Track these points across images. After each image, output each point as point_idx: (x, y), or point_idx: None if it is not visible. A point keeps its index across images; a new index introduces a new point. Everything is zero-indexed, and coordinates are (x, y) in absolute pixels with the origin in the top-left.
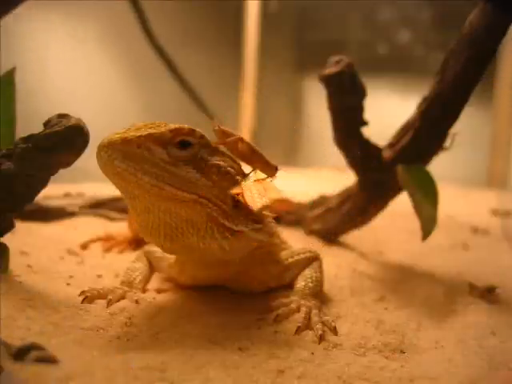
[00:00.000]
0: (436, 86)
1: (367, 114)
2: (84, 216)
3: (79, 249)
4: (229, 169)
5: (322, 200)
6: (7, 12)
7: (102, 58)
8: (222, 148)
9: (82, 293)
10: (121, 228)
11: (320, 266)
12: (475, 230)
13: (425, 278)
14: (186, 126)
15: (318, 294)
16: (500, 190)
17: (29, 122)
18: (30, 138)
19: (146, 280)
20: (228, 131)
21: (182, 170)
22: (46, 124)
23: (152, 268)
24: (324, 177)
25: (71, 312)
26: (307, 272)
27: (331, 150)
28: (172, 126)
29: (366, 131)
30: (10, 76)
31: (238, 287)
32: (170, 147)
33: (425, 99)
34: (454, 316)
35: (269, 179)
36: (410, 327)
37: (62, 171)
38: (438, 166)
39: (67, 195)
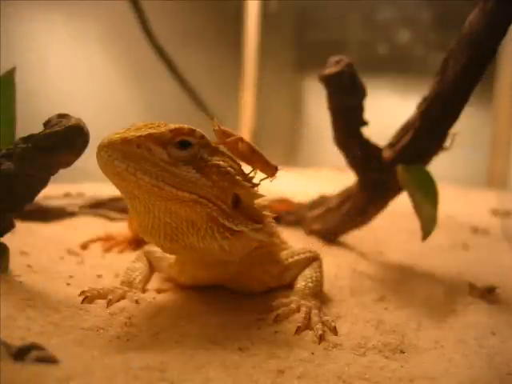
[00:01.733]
0: (436, 86)
1: (367, 114)
2: (84, 216)
3: (79, 249)
4: (229, 169)
5: (322, 200)
6: None
7: (102, 58)
8: (222, 148)
9: (82, 293)
10: (121, 228)
11: (320, 266)
12: (475, 230)
13: (425, 278)
14: (185, 126)
15: (318, 294)
16: (500, 190)
17: (29, 122)
18: (29, 138)
19: (146, 280)
20: (228, 131)
21: (182, 170)
22: (46, 124)
23: (152, 268)
24: (324, 177)
25: (71, 312)
26: (307, 272)
27: (331, 149)
28: (172, 126)
29: (366, 131)
30: (10, 76)
31: (238, 287)
32: (169, 147)
33: (425, 99)
34: (454, 316)
35: (269, 179)
36: (410, 327)
37: (62, 171)
38: (438, 166)
39: (67, 195)
